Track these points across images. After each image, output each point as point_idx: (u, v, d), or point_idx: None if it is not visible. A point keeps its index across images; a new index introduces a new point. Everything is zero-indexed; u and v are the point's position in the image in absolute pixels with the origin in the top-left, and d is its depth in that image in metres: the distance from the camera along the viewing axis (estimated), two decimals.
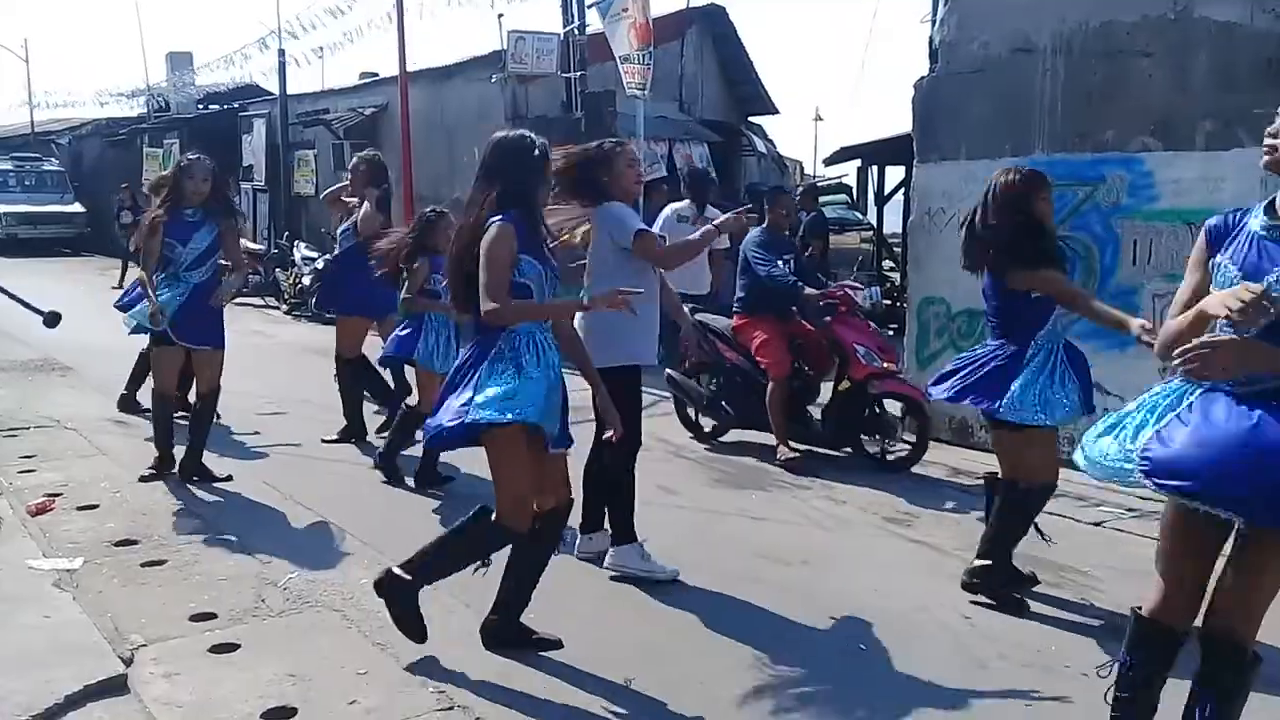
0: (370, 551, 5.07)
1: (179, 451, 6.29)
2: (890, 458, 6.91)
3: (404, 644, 4.01)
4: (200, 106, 22.49)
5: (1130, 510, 5.89)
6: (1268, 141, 2.77)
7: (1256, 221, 2.78)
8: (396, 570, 3.96)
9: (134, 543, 5.14)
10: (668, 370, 7.34)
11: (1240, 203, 6.15)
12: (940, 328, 7.54)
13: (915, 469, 6.78)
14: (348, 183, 7.79)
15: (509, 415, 3.66)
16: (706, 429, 7.64)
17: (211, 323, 6.19)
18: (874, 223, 14.70)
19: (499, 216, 3.77)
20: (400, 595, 3.96)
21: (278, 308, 15.29)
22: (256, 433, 7.59)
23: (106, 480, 6.19)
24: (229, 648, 3.98)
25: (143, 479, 6.17)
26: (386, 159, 14.49)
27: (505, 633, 4.06)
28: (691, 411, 7.68)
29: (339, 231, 7.51)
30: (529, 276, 3.83)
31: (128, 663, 3.80)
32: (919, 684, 3.82)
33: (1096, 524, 5.73)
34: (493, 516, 3.88)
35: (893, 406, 7.04)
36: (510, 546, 3.95)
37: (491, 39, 12.54)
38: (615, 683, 3.79)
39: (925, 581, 4.83)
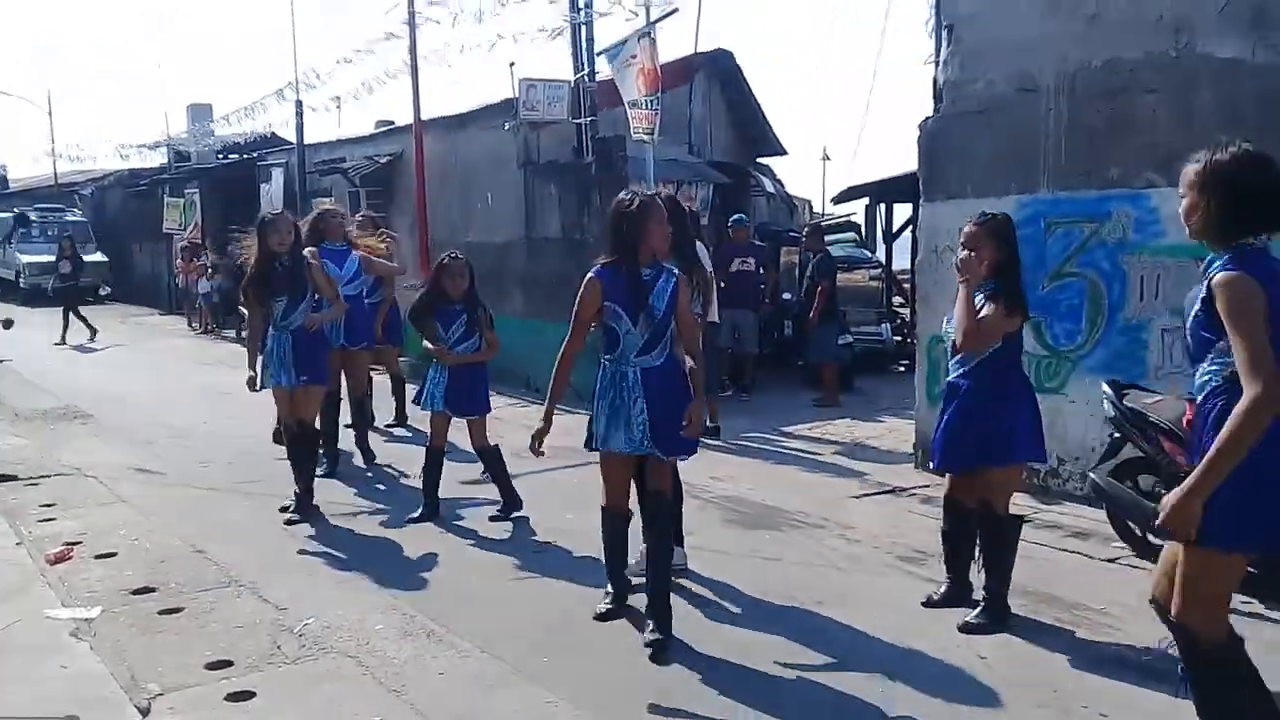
0: (386, 596, 5.11)
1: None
2: None
3: (419, 690, 4.04)
4: (220, 157, 22.78)
5: None
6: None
7: None
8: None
9: (151, 591, 5.19)
10: (1091, 474, 5.44)
11: None
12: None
13: (929, 508, 6.77)
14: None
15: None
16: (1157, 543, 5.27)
17: (316, 363, 6.70)
18: (883, 260, 14.75)
19: (594, 269, 4.52)
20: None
21: None
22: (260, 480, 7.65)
23: (125, 528, 6.26)
24: (245, 695, 4.01)
25: (287, 522, 6.47)
26: (402, 205, 14.74)
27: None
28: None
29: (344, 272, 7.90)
30: (611, 320, 4.46)
31: (145, 712, 3.84)
32: None
33: (1110, 560, 5.70)
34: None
35: None
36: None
37: (503, 87, 12.67)
38: None
39: (941, 621, 4.81)
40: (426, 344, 6.52)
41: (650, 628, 4.51)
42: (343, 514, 6.75)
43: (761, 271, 11.28)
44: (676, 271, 4.58)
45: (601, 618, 4.80)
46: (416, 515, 6.51)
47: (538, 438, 4.51)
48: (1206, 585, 3.06)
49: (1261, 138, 5.81)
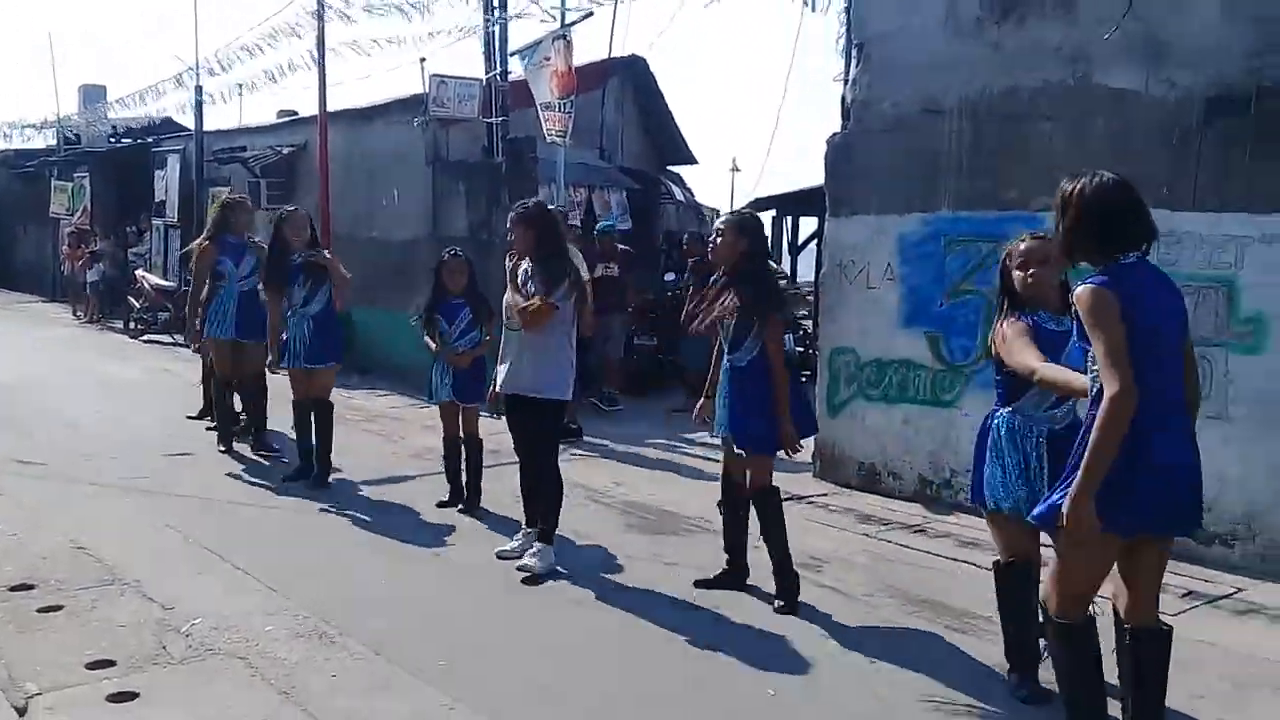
0: (277, 598, 4.99)
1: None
2: None
3: (309, 692, 3.96)
4: (113, 140, 21.96)
5: None
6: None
7: None
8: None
9: (31, 587, 4.98)
10: None
11: None
12: (850, 377, 7.70)
13: (828, 515, 6.88)
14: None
15: None
16: None
17: (333, 344, 7.34)
18: (787, 272, 14.96)
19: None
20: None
21: (186, 346, 14.95)
22: (146, 476, 7.42)
23: (3, 522, 6.00)
24: (127, 696, 3.88)
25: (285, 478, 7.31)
26: (304, 199, 14.44)
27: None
28: None
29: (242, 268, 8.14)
30: None
31: (21, 712, 3.70)
32: None
33: None
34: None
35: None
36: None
37: (413, 83, 12.53)
38: None
39: (833, 626, 4.90)
40: (429, 342, 6.69)
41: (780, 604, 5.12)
42: (236, 511, 6.58)
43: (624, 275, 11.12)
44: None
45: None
46: (447, 500, 6.83)
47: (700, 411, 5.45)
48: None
49: (1152, 168, 6.11)
